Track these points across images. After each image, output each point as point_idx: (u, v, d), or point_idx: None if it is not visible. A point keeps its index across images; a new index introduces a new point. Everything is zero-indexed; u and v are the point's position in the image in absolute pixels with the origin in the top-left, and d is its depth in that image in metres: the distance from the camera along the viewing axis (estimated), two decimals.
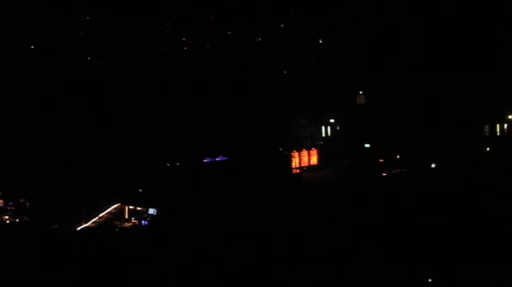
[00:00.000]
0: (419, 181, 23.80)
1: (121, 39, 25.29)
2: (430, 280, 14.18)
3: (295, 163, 30.47)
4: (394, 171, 29.13)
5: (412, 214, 20.23)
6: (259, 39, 31.55)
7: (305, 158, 31.62)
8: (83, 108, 24.00)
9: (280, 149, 29.83)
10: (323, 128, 37.71)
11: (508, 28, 29.41)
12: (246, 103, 32.62)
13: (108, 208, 22.01)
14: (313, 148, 32.76)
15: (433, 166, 30.05)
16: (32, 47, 23.14)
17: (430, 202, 21.88)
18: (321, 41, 35.04)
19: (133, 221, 20.69)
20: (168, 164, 22.97)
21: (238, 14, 27.60)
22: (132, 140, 24.32)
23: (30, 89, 22.13)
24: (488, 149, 32.84)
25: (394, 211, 20.96)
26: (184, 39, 25.37)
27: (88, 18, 24.19)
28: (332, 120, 37.02)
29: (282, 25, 31.63)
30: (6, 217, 20.91)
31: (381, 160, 31.48)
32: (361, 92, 36.93)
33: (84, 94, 23.90)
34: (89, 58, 24.49)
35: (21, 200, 21.65)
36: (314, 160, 32.14)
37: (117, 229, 19.94)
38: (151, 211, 21.00)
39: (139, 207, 21.74)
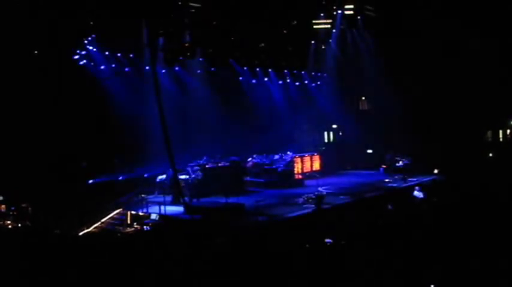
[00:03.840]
0: (422, 186, 23.68)
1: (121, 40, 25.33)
2: (432, 286, 14.10)
3: (297, 168, 30.48)
4: (396, 176, 29.15)
5: (413, 217, 20.16)
6: (262, 44, 31.64)
7: (307, 164, 31.67)
8: (85, 112, 24.03)
9: (282, 154, 29.81)
10: (325, 133, 37.86)
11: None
12: (248, 106, 32.73)
13: (110, 213, 22.02)
14: (315, 153, 32.82)
15: (435, 171, 30.09)
16: (36, 51, 23.14)
17: (432, 207, 21.81)
18: (323, 47, 35.19)
19: (136, 226, 20.65)
20: (171, 169, 22.97)
21: (241, 18, 27.63)
22: (134, 143, 24.36)
23: (31, 93, 22.11)
24: (491, 154, 32.91)
25: (395, 215, 20.90)
26: (186, 44, 25.41)
27: (91, 22, 24.19)
28: (334, 126, 37.16)
29: (284, 30, 31.71)
30: (9, 222, 20.87)
31: (384, 166, 31.55)
32: (363, 98, 37.07)
33: (85, 96, 23.92)
34: (85, 61, 24.50)
35: (24, 205, 21.63)
36: (316, 165, 32.20)
37: (119, 234, 19.89)
38: (154, 216, 20.98)
39: (142, 212, 21.75)
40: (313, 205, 21.95)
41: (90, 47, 25.16)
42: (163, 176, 24.23)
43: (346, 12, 32.72)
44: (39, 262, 14.99)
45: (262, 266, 14.12)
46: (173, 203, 22.23)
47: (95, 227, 21.32)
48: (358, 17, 33.28)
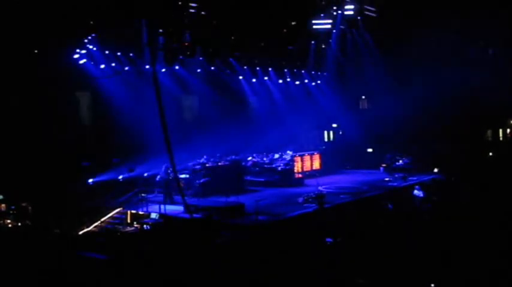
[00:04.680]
0: (422, 186, 23.72)
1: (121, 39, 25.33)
2: (432, 285, 14.11)
3: (297, 167, 30.46)
4: (396, 175, 29.15)
5: (414, 219, 20.18)
6: (263, 44, 31.62)
7: (307, 163, 31.65)
8: (85, 111, 24.06)
9: (282, 153, 29.78)
10: (325, 132, 37.88)
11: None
12: (248, 106, 32.71)
13: (110, 212, 22.03)
14: (315, 152, 32.81)
15: (435, 170, 30.10)
16: (36, 51, 23.11)
17: (432, 207, 21.83)
18: (323, 46, 35.20)
19: (136, 225, 20.66)
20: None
21: (241, 18, 27.61)
22: (134, 142, 24.35)
23: (30, 92, 22.12)
24: (491, 153, 32.96)
25: (395, 214, 20.92)
26: (186, 43, 25.38)
27: (92, 23, 24.19)
28: (335, 125, 37.19)
29: (284, 30, 31.70)
30: (9, 221, 20.88)
31: (384, 165, 31.58)
32: (363, 97, 37.10)
33: (85, 98, 23.93)
34: (85, 60, 24.50)
35: (24, 204, 21.63)
36: (316, 165, 32.19)
37: (119, 234, 19.90)
38: (154, 215, 20.99)
39: (142, 211, 21.74)
40: (313, 204, 21.95)
41: (90, 46, 25.16)
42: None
43: (346, 12, 32.70)
44: (39, 262, 15.01)
45: (263, 265, 14.13)
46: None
47: (95, 227, 21.34)
48: (358, 18, 33.29)
